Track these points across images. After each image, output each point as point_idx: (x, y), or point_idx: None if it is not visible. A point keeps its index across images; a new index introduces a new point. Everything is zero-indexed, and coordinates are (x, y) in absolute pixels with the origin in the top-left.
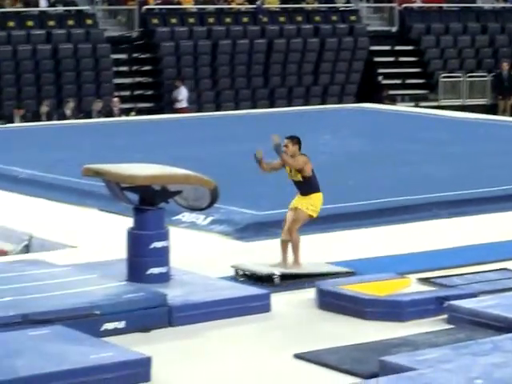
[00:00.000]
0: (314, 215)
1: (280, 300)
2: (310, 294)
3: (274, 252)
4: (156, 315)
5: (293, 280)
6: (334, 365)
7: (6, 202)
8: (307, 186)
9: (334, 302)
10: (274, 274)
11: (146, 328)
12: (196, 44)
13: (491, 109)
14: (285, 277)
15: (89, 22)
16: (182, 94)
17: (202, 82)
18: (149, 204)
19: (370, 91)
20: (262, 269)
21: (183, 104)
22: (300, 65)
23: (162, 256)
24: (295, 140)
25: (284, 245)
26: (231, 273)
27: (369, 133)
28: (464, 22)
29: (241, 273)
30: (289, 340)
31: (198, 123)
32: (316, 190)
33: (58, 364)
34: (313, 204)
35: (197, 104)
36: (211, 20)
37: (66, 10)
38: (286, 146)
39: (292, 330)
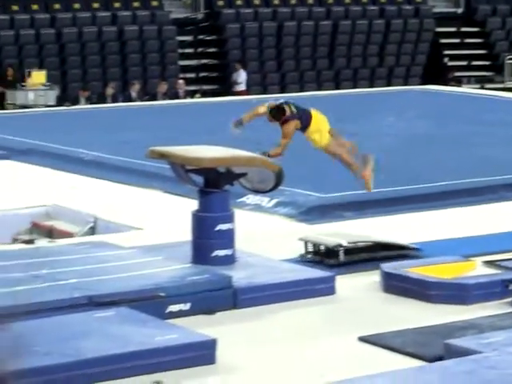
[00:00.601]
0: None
1: (344, 282)
2: (374, 276)
3: None
4: (221, 297)
5: (358, 254)
6: (398, 348)
7: (72, 184)
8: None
9: (398, 285)
10: (340, 246)
11: (210, 310)
12: (261, 26)
13: None
14: (351, 251)
15: (154, 3)
16: (241, 76)
17: (267, 64)
18: (214, 186)
19: (436, 73)
20: (329, 240)
21: (242, 87)
22: (365, 46)
23: (227, 238)
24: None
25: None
26: (296, 255)
27: (434, 115)
28: None
29: (310, 247)
30: (353, 323)
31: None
32: (307, 124)
33: (123, 346)
34: (317, 131)
35: (261, 86)
36: (276, 1)
37: None
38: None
39: (356, 312)
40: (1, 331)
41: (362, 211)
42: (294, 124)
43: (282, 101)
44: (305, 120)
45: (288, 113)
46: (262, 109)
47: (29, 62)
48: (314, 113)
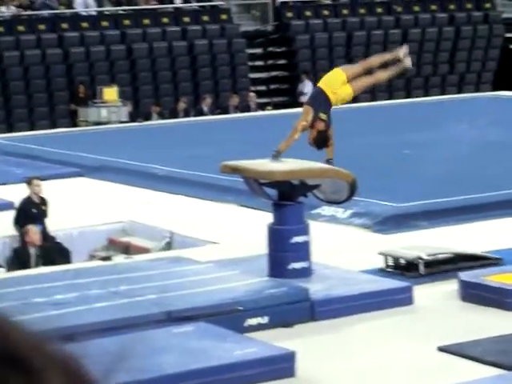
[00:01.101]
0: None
1: (422, 292)
2: (452, 285)
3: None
4: (298, 310)
5: (438, 267)
6: (478, 357)
7: (147, 200)
8: None
9: (477, 294)
10: (420, 258)
11: (288, 323)
12: (330, 36)
13: None
14: (431, 263)
15: (223, 17)
16: (307, 87)
17: None
18: (288, 199)
19: (507, 79)
20: (409, 253)
21: (307, 98)
22: (435, 54)
23: (303, 250)
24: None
25: None
26: (373, 266)
27: (506, 121)
28: None
29: (390, 260)
30: (432, 332)
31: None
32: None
33: (203, 361)
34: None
35: None
36: (345, 11)
37: (201, 6)
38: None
39: (435, 322)
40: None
41: (437, 220)
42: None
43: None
44: (326, 105)
45: (323, 125)
46: (297, 135)
47: (100, 78)
48: (323, 86)
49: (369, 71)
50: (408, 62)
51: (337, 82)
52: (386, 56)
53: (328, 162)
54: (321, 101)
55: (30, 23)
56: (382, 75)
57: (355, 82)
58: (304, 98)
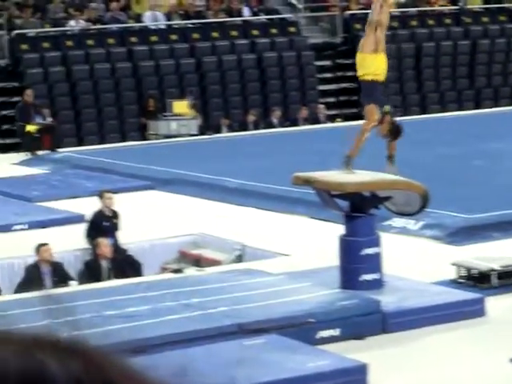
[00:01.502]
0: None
1: (495, 304)
2: None
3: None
4: (370, 322)
5: (511, 278)
6: None
7: (218, 213)
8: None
9: None
10: (492, 270)
11: (360, 335)
12: (399, 47)
13: None
14: (504, 274)
15: (292, 29)
16: None
17: (407, 86)
18: (359, 211)
19: None
20: (482, 264)
21: None
22: (505, 65)
23: (375, 262)
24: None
25: None
26: (444, 277)
27: None
28: None
29: (462, 271)
30: (504, 344)
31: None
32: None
33: (276, 373)
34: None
35: (402, 107)
36: (414, 23)
37: (269, 19)
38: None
39: (507, 333)
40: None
41: (509, 231)
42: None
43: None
44: (381, 95)
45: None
46: (365, 137)
47: (169, 91)
48: (365, 77)
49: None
50: None
51: (367, 63)
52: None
53: (390, 158)
54: (375, 93)
55: (100, 37)
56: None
57: (377, 45)
58: None
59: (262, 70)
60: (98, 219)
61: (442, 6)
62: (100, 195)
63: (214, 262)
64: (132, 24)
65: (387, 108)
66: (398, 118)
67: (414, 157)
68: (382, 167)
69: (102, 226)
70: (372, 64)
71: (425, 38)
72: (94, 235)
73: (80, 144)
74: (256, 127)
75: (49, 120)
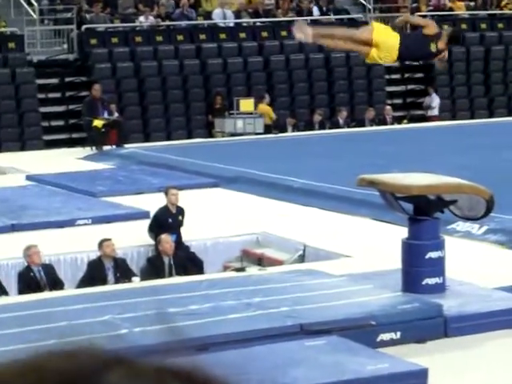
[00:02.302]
0: None
1: None
2: None
3: None
4: (431, 326)
5: None
6: None
7: (281, 212)
8: None
9: None
10: None
11: (421, 339)
12: (468, 50)
13: None
14: None
15: None
16: (435, 101)
17: (475, 89)
18: (424, 214)
19: None
20: None
21: (435, 112)
22: None
23: (438, 266)
24: None
25: None
26: (507, 283)
27: None
28: None
29: None
30: None
31: (468, 131)
32: None
33: (335, 375)
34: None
35: (469, 110)
36: (484, 26)
37: (338, 19)
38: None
39: None
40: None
41: None
42: None
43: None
44: None
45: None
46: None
47: (237, 89)
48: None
49: None
50: None
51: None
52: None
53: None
54: None
55: (169, 34)
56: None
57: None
58: (431, 112)
59: (329, 69)
60: (162, 215)
61: None
62: (165, 191)
63: (276, 262)
64: (201, 21)
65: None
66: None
67: (479, 161)
68: None
69: (167, 222)
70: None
71: (494, 41)
72: (158, 231)
73: (146, 140)
74: (322, 127)
75: (116, 115)
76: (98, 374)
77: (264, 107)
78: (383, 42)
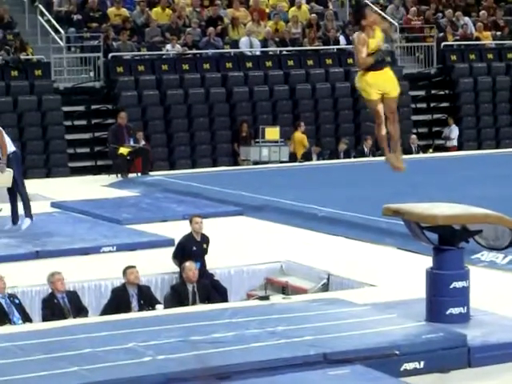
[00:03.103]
0: None
1: None
2: None
3: None
4: (455, 356)
5: None
6: None
7: (306, 240)
8: None
9: None
10: None
11: (444, 369)
12: (494, 80)
13: None
14: None
15: (387, 59)
16: (454, 132)
17: (500, 118)
18: (449, 243)
19: None
20: None
21: (453, 142)
22: None
23: (462, 296)
24: None
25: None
26: None
27: None
28: None
29: None
30: None
31: (494, 160)
32: None
33: None
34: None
35: (495, 140)
36: (510, 55)
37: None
38: None
39: None
40: None
41: None
42: None
43: None
44: None
45: None
46: None
47: (262, 118)
48: None
49: None
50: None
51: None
52: None
53: None
54: None
55: (195, 62)
56: None
57: None
58: (450, 143)
59: (355, 98)
60: (187, 243)
61: None
62: (190, 220)
63: (300, 290)
64: (228, 50)
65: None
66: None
67: (504, 192)
68: None
69: (191, 250)
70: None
71: None
72: (182, 259)
73: (171, 168)
74: (347, 155)
75: (143, 143)
76: None
77: (299, 135)
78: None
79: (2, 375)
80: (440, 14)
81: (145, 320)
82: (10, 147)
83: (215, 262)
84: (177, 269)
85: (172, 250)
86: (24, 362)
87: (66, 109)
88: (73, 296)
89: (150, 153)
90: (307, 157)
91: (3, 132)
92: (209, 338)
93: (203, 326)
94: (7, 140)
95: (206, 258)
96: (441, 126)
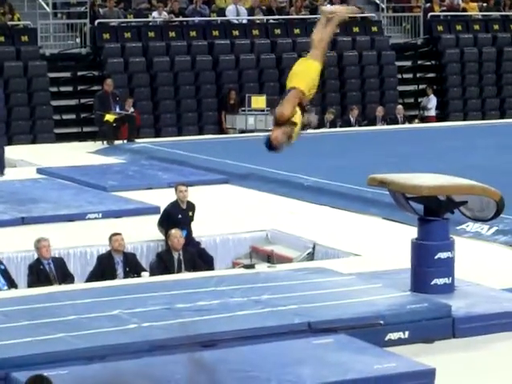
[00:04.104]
0: None
1: None
2: None
3: None
4: (439, 326)
5: None
6: None
7: (290, 209)
8: None
9: None
10: None
11: (429, 339)
12: (480, 51)
13: None
14: None
15: (374, 29)
16: (432, 102)
17: (486, 89)
18: (434, 214)
19: None
20: None
21: (431, 112)
22: None
23: (447, 267)
24: None
25: None
26: None
27: None
28: None
29: None
30: None
31: (479, 131)
32: None
33: (341, 373)
34: None
35: (481, 111)
36: (496, 27)
37: (352, 17)
38: None
39: None
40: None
41: None
42: None
43: None
44: None
45: None
46: None
47: (249, 86)
48: None
49: None
50: None
51: None
52: None
53: None
54: None
55: (182, 30)
56: None
57: None
58: (427, 113)
59: (341, 68)
60: (172, 210)
61: None
62: (175, 187)
63: (286, 259)
64: (214, 18)
65: None
66: None
67: (489, 162)
68: None
69: (177, 217)
70: None
71: (506, 42)
72: (168, 226)
73: (157, 135)
74: (333, 125)
75: (131, 111)
76: None
77: None
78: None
79: None
80: None
81: (130, 287)
82: None
83: (201, 230)
84: (162, 237)
85: (157, 217)
86: (8, 328)
87: (52, 75)
88: (59, 262)
89: (136, 120)
90: (321, 123)
91: None
92: (194, 305)
93: (188, 294)
94: None
95: (192, 226)
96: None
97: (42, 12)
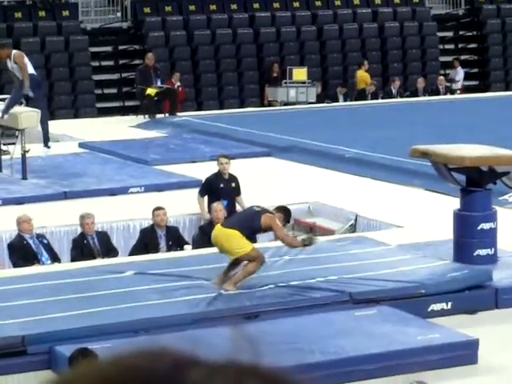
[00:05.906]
0: None
1: None
2: None
3: None
4: (482, 297)
5: None
6: None
7: (333, 182)
8: None
9: None
10: None
11: (472, 310)
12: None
13: None
14: None
15: (415, 0)
16: (459, 75)
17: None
18: (476, 185)
19: None
20: None
21: (458, 85)
22: None
23: (489, 237)
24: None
25: None
26: None
27: None
28: None
29: None
30: None
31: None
32: None
33: (384, 345)
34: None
35: (504, 82)
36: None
37: None
38: None
39: None
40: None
41: None
42: None
43: None
44: None
45: None
46: None
47: (289, 59)
48: None
49: None
50: None
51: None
52: None
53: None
54: None
55: (222, 2)
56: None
57: None
58: (456, 86)
59: (383, 39)
60: (214, 180)
61: None
62: (217, 159)
63: (328, 231)
64: None
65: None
66: None
67: None
68: None
69: (218, 187)
70: None
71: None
72: (209, 196)
73: (199, 109)
74: (374, 97)
75: (178, 85)
76: (177, 372)
77: (362, 73)
78: None
79: (32, 315)
80: None
81: (172, 261)
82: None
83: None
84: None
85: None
86: (52, 302)
87: (93, 49)
88: (103, 237)
89: (179, 93)
90: (362, 95)
91: (24, 55)
92: None
93: None
94: (29, 64)
95: (240, 197)
96: (468, 67)
97: None
